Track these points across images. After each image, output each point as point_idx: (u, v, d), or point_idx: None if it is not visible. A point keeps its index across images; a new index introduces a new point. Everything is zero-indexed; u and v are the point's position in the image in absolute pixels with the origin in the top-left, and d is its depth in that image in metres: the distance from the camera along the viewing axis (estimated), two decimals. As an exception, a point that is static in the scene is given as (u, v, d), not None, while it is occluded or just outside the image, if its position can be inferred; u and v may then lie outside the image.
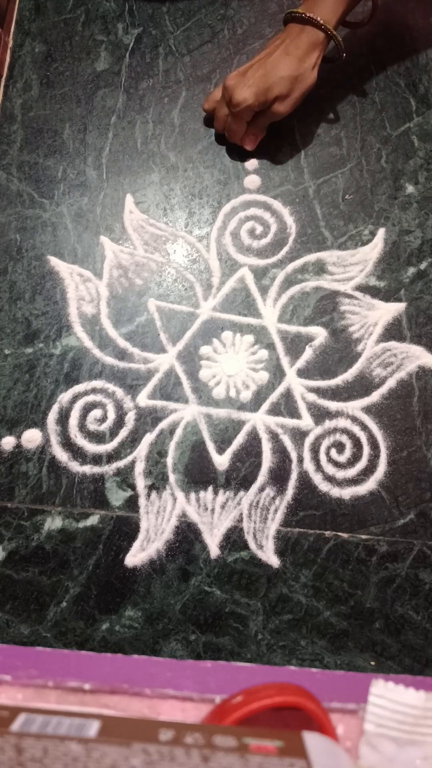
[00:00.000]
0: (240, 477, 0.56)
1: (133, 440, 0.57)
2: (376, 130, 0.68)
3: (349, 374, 0.60)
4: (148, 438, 0.57)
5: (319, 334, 0.61)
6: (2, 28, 0.70)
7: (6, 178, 0.65)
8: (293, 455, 0.57)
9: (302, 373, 0.60)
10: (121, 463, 0.56)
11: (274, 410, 0.58)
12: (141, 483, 0.56)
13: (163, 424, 0.58)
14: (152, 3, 0.73)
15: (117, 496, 0.55)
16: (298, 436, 0.58)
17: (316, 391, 0.59)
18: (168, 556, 0.54)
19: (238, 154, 0.67)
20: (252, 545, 0.54)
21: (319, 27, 0.58)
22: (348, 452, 0.57)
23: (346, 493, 0.56)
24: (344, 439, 0.58)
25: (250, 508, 0.55)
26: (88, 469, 0.56)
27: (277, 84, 0.59)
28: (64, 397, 0.58)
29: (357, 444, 0.58)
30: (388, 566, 0.54)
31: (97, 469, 0.56)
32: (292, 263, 0.63)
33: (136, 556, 0.54)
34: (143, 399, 0.58)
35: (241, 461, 0.57)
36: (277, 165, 0.67)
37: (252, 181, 0.66)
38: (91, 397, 0.58)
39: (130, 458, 0.57)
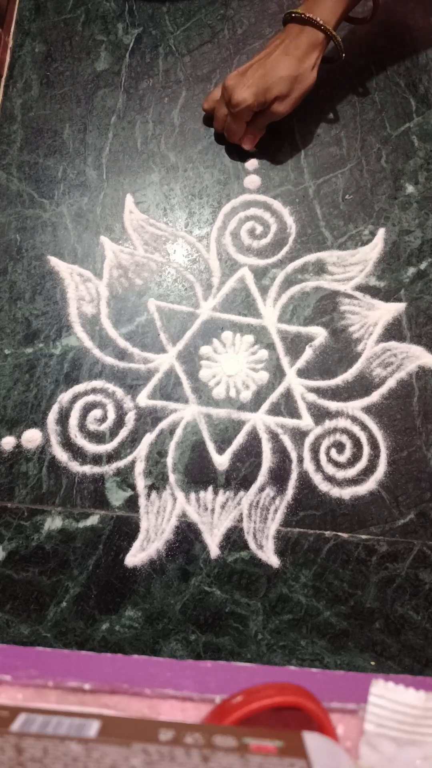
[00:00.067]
0: (240, 477, 0.56)
1: (133, 440, 0.57)
2: (376, 130, 0.68)
3: (349, 374, 0.60)
4: (148, 438, 0.57)
5: (319, 334, 0.61)
6: (2, 28, 0.70)
7: (6, 178, 0.65)
8: (293, 455, 0.57)
9: (302, 373, 0.60)
10: (121, 463, 0.56)
11: (274, 410, 0.58)
12: (141, 483, 0.56)
13: (163, 424, 0.58)
14: (152, 3, 0.73)
15: (117, 496, 0.55)
16: (298, 436, 0.58)
17: (316, 391, 0.59)
18: (168, 556, 0.54)
19: (238, 154, 0.67)
20: (252, 545, 0.54)
21: (318, 27, 0.58)
22: (348, 452, 0.57)
23: (346, 493, 0.56)
24: (344, 439, 0.58)
25: (250, 508, 0.55)
26: (88, 469, 0.56)
27: (276, 84, 0.59)
28: (64, 397, 0.58)
29: (357, 444, 0.58)
30: (388, 566, 0.54)
31: (97, 469, 0.56)
32: (292, 263, 0.63)
33: (136, 556, 0.54)
34: (143, 399, 0.58)
35: (241, 461, 0.57)
36: (277, 165, 0.67)
37: (252, 181, 0.66)
38: (91, 397, 0.58)
39: (130, 458, 0.57)
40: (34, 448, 0.57)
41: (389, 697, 0.45)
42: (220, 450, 0.57)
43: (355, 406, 0.59)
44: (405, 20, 0.73)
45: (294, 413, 0.58)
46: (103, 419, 0.58)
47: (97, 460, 0.56)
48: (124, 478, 0.56)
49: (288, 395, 0.59)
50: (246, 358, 0.60)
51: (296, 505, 0.56)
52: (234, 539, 0.54)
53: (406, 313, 0.62)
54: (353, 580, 0.54)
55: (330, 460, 0.57)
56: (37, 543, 0.54)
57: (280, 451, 0.57)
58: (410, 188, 0.66)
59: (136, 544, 0.54)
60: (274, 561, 0.54)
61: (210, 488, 0.56)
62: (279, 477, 0.56)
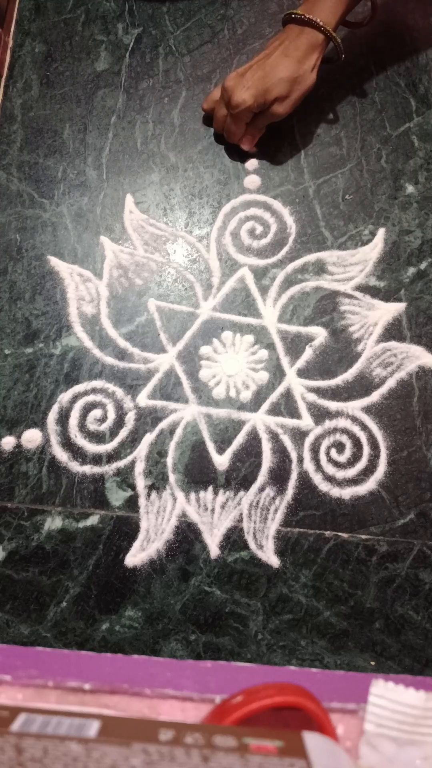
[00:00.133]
0: (240, 477, 0.56)
1: (133, 440, 0.57)
2: (376, 130, 0.68)
3: (349, 374, 0.60)
4: (148, 438, 0.57)
5: (319, 334, 0.61)
6: (2, 28, 0.70)
7: (6, 178, 0.65)
8: (293, 455, 0.57)
9: (302, 373, 0.60)
10: (121, 463, 0.56)
11: (274, 410, 0.58)
12: (141, 483, 0.56)
13: (163, 424, 0.58)
14: (152, 3, 0.73)
15: (117, 496, 0.55)
16: (298, 436, 0.58)
17: (316, 391, 0.59)
18: (168, 556, 0.54)
19: (238, 154, 0.67)
20: (252, 545, 0.54)
21: (318, 29, 0.58)
22: (348, 452, 0.57)
23: (346, 493, 0.56)
24: (344, 439, 0.58)
25: (250, 508, 0.55)
26: (88, 469, 0.56)
27: (276, 86, 0.59)
28: (64, 397, 0.58)
29: (357, 444, 0.58)
30: (388, 566, 0.54)
31: (97, 469, 0.56)
32: (292, 263, 0.63)
33: (136, 556, 0.54)
34: (143, 399, 0.58)
35: (241, 461, 0.57)
36: (277, 165, 0.67)
37: (252, 181, 0.66)
38: (91, 397, 0.58)
39: (130, 458, 0.57)
40: (34, 448, 0.57)
41: (389, 697, 0.45)
42: (220, 450, 0.57)
43: (355, 406, 0.59)
44: (405, 20, 0.73)
45: (294, 413, 0.58)
46: (103, 419, 0.58)
47: (97, 460, 0.56)
48: (124, 478, 0.56)
49: (288, 395, 0.59)
50: (246, 358, 0.60)
51: (296, 505, 0.56)
52: (234, 539, 0.54)
53: (406, 313, 0.62)
54: (353, 580, 0.54)
55: (330, 460, 0.57)
56: (37, 543, 0.54)
57: (280, 451, 0.57)
58: (410, 188, 0.66)
59: (136, 544, 0.54)
60: (274, 561, 0.54)
61: (210, 488, 0.56)
62: (279, 477, 0.56)
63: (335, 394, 0.59)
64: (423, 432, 0.58)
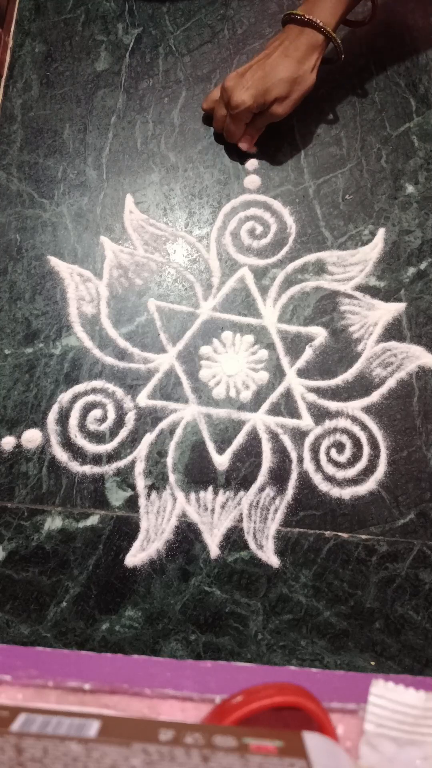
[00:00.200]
0: (240, 477, 0.56)
1: (133, 440, 0.57)
2: (376, 130, 0.68)
3: (349, 374, 0.60)
4: (148, 438, 0.57)
5: (319, 334, 0.61)
6: (2, 28, 0.70)
7: (6, 178, 0.65)
8: (293, 455, 0.57)
9: (302, 373, 0.60)
10: (121, 463, 0.56)
11: (274, 410, 0.58)
12: (141, 483, 0.56)
13: (163, 424, 0.58)
14: (152, 3, 0.73)
15: (117, 496, 0.55)
16: (298, 436, 0.58)
17: (316, 391, 0.59)
18: (168, 556, 0.54)
19: (238, 154, 0.67)
20: (252, 545, 0.54)
21: (318, 29, 0.58)
22: (348, 452, 0.57)
23: (346, 493, 0.56)
24: (344, 439, 0.58)
25: (250, 508, 0.55)
26: (88, 469, 0.56)
27: (275, 86, 0.59)
28: (64, 397, 0.58)
29: (357, 444, 0.58)
30: (388, 566, 0.54)
31: (97, 469, 0.56)
32: (292, 263, 0.63)
33: (136, 556, 0.54)
34: (143, 399, 0.58)
35: (241, 461, 0.57)
36: (277, 165, 0.67)
37: (252, 181, 0.66)
38: (91, 397, 0.58)
39: (130, 458, 0.57)
40: (34, 448, 0.57)
41: (389, 697, 0.45)
42: (220, 450, 0.57)
43: (355, 406, 0.59)
44: (405, 20, 0.73)
45: (294, 413, 0.58)
46: (103, 419, 0.58)
47: (97, 460, 0.56)
48: (124, 478, 0.56)
49: (288, 395, 0.59)
50: (246, 358, 0.60)
51: (296, 505, 0.56)
52: (234, 539, 0.54)
53: (406, 313, 0.62)
54: (353, 580, 0.54)
55: (330, 460, 0.57)
56: (37, 543, 0.54)
57: (280, 451, 0.57)
58: (410, 188, 0.66)
59: (136, 544, 0.54)
60: (274, 561, 0.54)
61: (210, 488, 0.56)
62: (279, 477, 0.56)
63: (335, 394, 0.59)
64: (423, 432, 0.58)
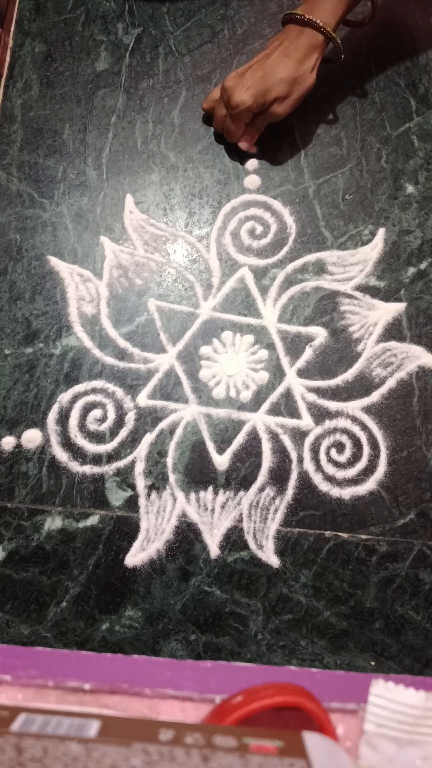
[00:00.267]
0: (240, 477, 0.56)
1: (133, 440, 0.57)
2: (376, 130, 0.68)
3: (349, 374, 0.60)
4: (148, 438, 0.57)
5: (319, 334, 0.61)
6: (2, 28, 0.70)
7: (6, 178, 0.65)
8: (293, 455, 0.57)
9: (302, 373, 0.60)
10: (121, 463, 0.56)
11: (274, 410, 0.58)
12: (141, 483, 0.56)
13: (163, 424, 0.58)
14: (152, 3, 0.73)
15: (117, 496, 0.55)
16: (298, 436, 0.58)
17: (316, 391, 0.59)
18: (168, 556, 0.54)
19: (238, 154, 0.67)
20: (252, 545, 0.54)
21: (318, 29, 0.58)
22: (348, 452, 0.57)
23: (346, 493, 0.56)
24: (344, 439, 0.58)
25: (250, 508, 0.55)
26: (88, 469, 0.56)
27: (275, 86, 0.59)
28: (64, 397, 0.58)
29: (357, 444, 0.58)
30: (388, 566, 0.54)
31: (97, 469, 0.56)
32: (292, 263, 0.63)
33: (136, 556, 0.54)
34: (143, 399, 0.58)
35: (241, 461, 0.57)
36: (277, 165, 0.67)
37: (252, 181, 0.66)
38: (91, 397, 0.58)
39: (130, 458, 0.57)
40: (34, 448, 0.57)
41: (389, 697, 0.45)
42: (220, 450, 0.57)
43: (355, 406, 0.59)
44: (405, 20, 0.73)
45: (294, 413, 0.58)
46: (103, 419, 0.58)
47: (97, 460, 0.56)
48: (124, 478, 0.56)
49: (288, 395, 0.59)
50: (246, 358, 0.60)
51: (296, 505, 0.56)
52: (234, 539, 0.54)
53: (406, 313, 0.62)
54: (353, 580, 0.54)
55: (330, 460, 0.57)
56: (37, 543, 0.54)
57: (280, 451, 0.57)
58: (410, 188, 0.66)
59: (136, 544, 0.54)
60: (274, 561, 0.54)
61: (210, 488, 0.56)
62: (279, 477, 0.56)
63: (335, 394, 0.59)
64: (423, 432, 0.58)
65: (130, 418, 0.58)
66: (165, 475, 0.56)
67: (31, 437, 0.57)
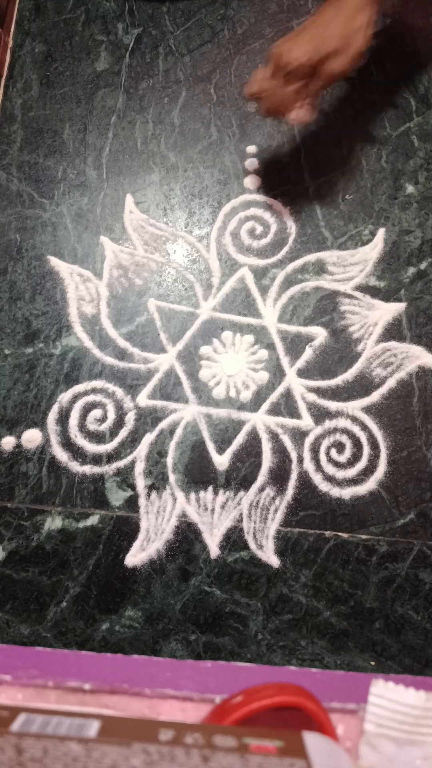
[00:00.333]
0: (240, 477, 0.56)
1: (133, 440, 0.57)
2: (376, 130, 0.68)
3: (349, 374, 0.60)
4: (148, 438, 0.57)
5: (319, 334, 0.61)
6: (2, 28, 0.70)
7: (6, 178, 0.65)
8: (293, 455, 0.57)
9: (302, 373, 0.60)
10: (121, 463, 0.56)
11: (274, 410, 0.58)
12: (141, 483, 0.56)
13: (163, 424, 0.58)
14: (152, 3, 0.73)
15: (117, 496, 0.55)
16: (298, 436, 0.58)
17: (316, 391, 0.59)
18: (168, 556, 0.54)
19: (238, 154, 0.67)
20: (252, 545, 0.54)
21: None
22: (348, 452, 0.57)
23: (346, 493, 0.56)
24: (344, 439, 0.58)
25: (250, 508, 0.55)
26: (88, 469, 0.56)
27: (329, 40, 0.56)
28: (64, 397, 0.58)
29: (357, 444, 0.58)
30: (388, 566, 0.54)
31: (97, 469, 0.56)
32: (292, 263, 0.63)
33: (136, 556, 0.54)
34: (143, 399, 0.58)
35: (241, 461, 0.57)
36: (277, 165, 0.67)
37: (252, 181, 0.66)
38: (91, 397, 0.58)
39: (130, 458, 0.57)
40: (34, 448, 0.57)
41: (389, 697, 0.45)
42: (220, 450, 0.57)
43: (355, 406, 0.59)
44: (405, 20, 0.73)
45: (294, 413, 0.58)
46: (103, 419, 0.58)
47: (97, 460, 0.56)
48: (124, 478, 0.56)
49: (288, 395, 0.59)
50: (246, 358, 0.60)
51: (296, 505, 0.56)
52: (234, 539, 0.54)
53: (406, 313, 0.62)
54: (353, 580, 0.54)
55: (330, 460, 0.57)
56: (37, 543, 0.54)
57: (280, 451, 0.57)
58: (410, 188, 0.66)
59: (136, 544, 0.54)
60: (274, 561, 0.54)
61: (210, 488, 0.56)
62: (279, 477, 0.56)
63: (335, 394, 0.59)
64: (423, 432, 0.58)
65: (130, 418, 0.58)
66: (165, 475, 0.56)
67: (31, 437, 0.57)
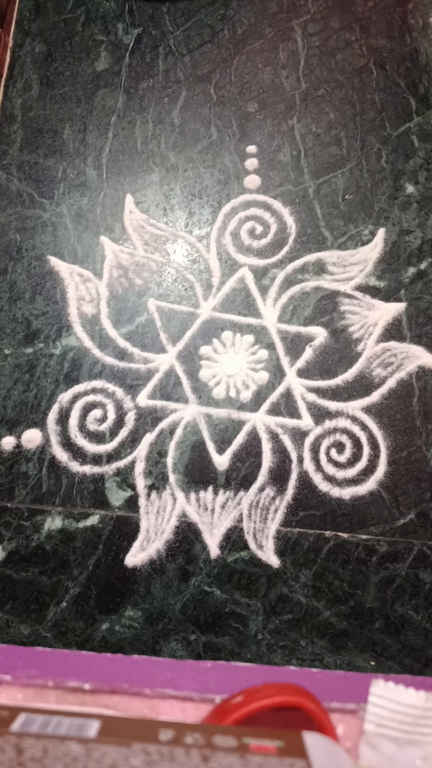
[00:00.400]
0: (240, 477, 0.56)
1: (133, 440, 0.57)
2: (376, 130, 0.68)
3: (349, 374, 0.60)
4: (148, 438, 0.57)
5: (319, 334, 0.61)
6: (2, 28, 0.70)
7: (6, 178, 0.65)
8: (293, 455, 0.57)
9: (302, 373, 0.60)
10: (121, 463, 0.56)
11: (274, 410, 0.58)
12: (141, 483, 0.56)
13: (163, 424, 0.58)
14: (152, 3, 0.73)
15: (117, 496, 0.55)
16: (298, 436, 0.58)
17: (316, 391, 0.59)
18: (168, 556, 0.54)
19: (238, 154, 0.67)
20: (252, 545, 0.54)
21: None
22: (348, 452, 0.57)
23: (346, 493, 0.56)
24: (344, 439, 0.58)
25: (250, 508, 0.55)
26: (88, 469, 0.56)
27: None
28: (64, 397, 0.58)
29: (357, 444, 0.58)
30: (388, 566, 0.54)
31: (97, 469, 0.56)
32: (292, 263, 0.63)
33: (136, 556, 0.54)
34: (143, 399, 0.58)
35: (241, 461, 0.57)
36: (277, 165, 0.67)
37: (252, 181, 0.66)
38: (91, 397, 0.58)
39: (130, 458, 0.57)
40: (34, 448, 0.57)
41: (389, 697, 0.45)
42: (220, 450, 0.57)
43: (355, 406, 0.59)
44: (405, 20, 0.73)
45: (294, 413, 0.58)
46: (103, 419, 0.58)
47: (97, 460, 0.56)
48: (124, 478, 0.56)
49: (288, 395, 0.59)
50: (246, 358, 0.60)
51: (296, 505, 0.56)
52: (234, 539, 0.54)
53: (406, 313, 0.62)
54: (353, 580, 0.54)
55: (330, 460, 0.57)
56: (37, 543, 0.54)
57: (280, 451, 0.57)
58: (410, 188, 0.66)
59: (136, 544, 0.54)
60: (274, 561, 0.54)
61: (210, 488, 0.56)
62: (279, 477, 0.56)
63: (335, 394, 0.59)
64: (423, 432, 0.58)
65: (130, 418, 0.58)
66: (165, 475, 0.56)
67: (31, 437, 0.57)
